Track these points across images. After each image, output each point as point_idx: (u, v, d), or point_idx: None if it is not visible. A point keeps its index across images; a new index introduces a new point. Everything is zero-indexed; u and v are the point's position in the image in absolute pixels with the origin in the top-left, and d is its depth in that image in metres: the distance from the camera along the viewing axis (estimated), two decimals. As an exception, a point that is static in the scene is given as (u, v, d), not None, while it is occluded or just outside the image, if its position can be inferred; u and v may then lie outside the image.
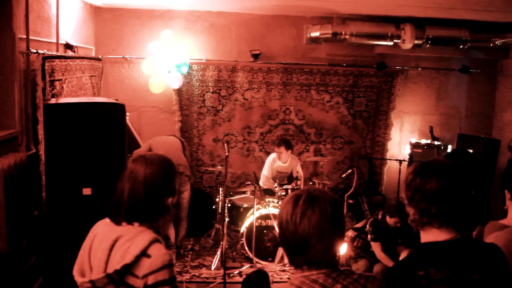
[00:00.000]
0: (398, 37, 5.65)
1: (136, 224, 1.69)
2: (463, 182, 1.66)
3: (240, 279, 4.38)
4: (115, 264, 1.60)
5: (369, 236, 4.40)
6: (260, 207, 4.99)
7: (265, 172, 5.69)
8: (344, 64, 6.16)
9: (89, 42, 5.55)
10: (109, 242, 1.65)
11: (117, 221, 1.71)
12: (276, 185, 5.32)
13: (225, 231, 4.62)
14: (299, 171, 5.77)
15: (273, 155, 5.69)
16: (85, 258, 1.71)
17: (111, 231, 1.69)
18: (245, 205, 5.22)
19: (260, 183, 5.57)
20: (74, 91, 4.40)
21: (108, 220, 1.75)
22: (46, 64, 3.66)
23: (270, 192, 5.35)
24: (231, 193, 5.50)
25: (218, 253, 4.89)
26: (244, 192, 5.49)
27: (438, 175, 1.62)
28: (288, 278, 4.61)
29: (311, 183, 5.91)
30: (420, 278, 1.54)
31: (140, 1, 5.50)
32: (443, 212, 1.60)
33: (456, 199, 1.62)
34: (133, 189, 1.69)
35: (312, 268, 1.42)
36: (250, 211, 5.06)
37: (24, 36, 3.49)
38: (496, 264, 1.60)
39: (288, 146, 5.54)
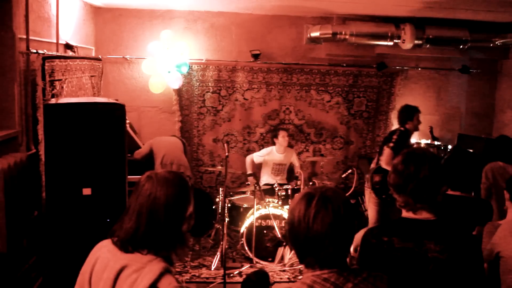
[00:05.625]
0: (398, 37, 5.65)
1: (145, 251, 1.50)
2: (443, 168, 1.85)
3: (240, 279, 4.38)
4: None
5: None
6: (260, 207, 4.99)
7: (255, 158, 5.80)
8: (344, 64, 6.16)
9: (89, 42, 5.56)
10: (114, 272, 1.47)
11: (126, 248, 1.51)
12: (276, 184, 5.34)
13: (225, 231, 4.61)
14: (295, 162, 5.86)
15: (269, 149, 5.76)
16: (85, 287, 1.56)
17: (116, 259, 1.50)
18: (245, 205, 5.23)
19: (247, 163, 5.81)
20: (74, 91, 4.40)
21: (112, 244, 1.56)
22: (46, 64, 3.66)
23: (270, 192, 5.36)
24: (231, 193, 5.50)
25: (218, 253, 4.89)
26: (244, 192, 5.50)
27: (429, 162, 1.78)
28: (288, 278, 4.61)
29: (311, 183, 5.92)
30: (383, 243, 1.75)
31: (140, 1, 5.50)
32: (432, 197, 1.78)
33: (441, 184, 1.80)
34: (152, 213, 1.50)
35: (323, 268, 1.42)
36: (250, 211, 5.06)
37: (24, 36, 3.49)
38: (463, 250, 1.73)
39: (287, 130, 5.88)
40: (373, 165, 4.96)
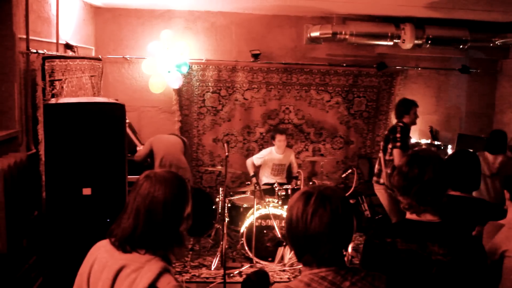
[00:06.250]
0: (398, 37, 5.65)
1: (142, 251, 1.50)
2: (445, 169, 1.84)
3: (240, 279, 4.38)
4: None
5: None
6: (260, 207, 4.99)
7: (255, 160, 5.77)
8: (344, 64, 6.16)
9: (89, 42, 5.56)
10: (112, 272, 1.47)
11: (124, 248, 1.50)
12: (276, 184, 5.34)
13: (225, 231, 4.61)
14: (293, 162, 5.87)
15: (269, 149, 5.74)
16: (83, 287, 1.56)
17: (114, 259, 1.49)
18: (245, 205, 5.23)
19: (248, 166, 5.77)
20: (74, 91, 4.40)
21: (110, 244, 1.54)
22: (46, 64, 3.66)
23: (270, 192, 5.36)
24: (231, 193, 5.50)
25: (218, 253, 4.89)
26: (244, 192, 5.50)
27: (433, 164, 1.78)
28: (288, 278, 4.61)
29: (310, 183, 5.92)
30: (386, 244, 1.74)
31: (140, 1, 5.50)
32: (436, 199, 1.77)
33: (445, 186, 1.81)
34: (150, 212, 1.50)
35: (321, 266, 1.42)
36: (250, 211, 5.06)
37: (24, 36, 3.49)
38: (467, 253, 1.72)
39: (285, 132, 5.83)
40: (377, 166, 4.95)
